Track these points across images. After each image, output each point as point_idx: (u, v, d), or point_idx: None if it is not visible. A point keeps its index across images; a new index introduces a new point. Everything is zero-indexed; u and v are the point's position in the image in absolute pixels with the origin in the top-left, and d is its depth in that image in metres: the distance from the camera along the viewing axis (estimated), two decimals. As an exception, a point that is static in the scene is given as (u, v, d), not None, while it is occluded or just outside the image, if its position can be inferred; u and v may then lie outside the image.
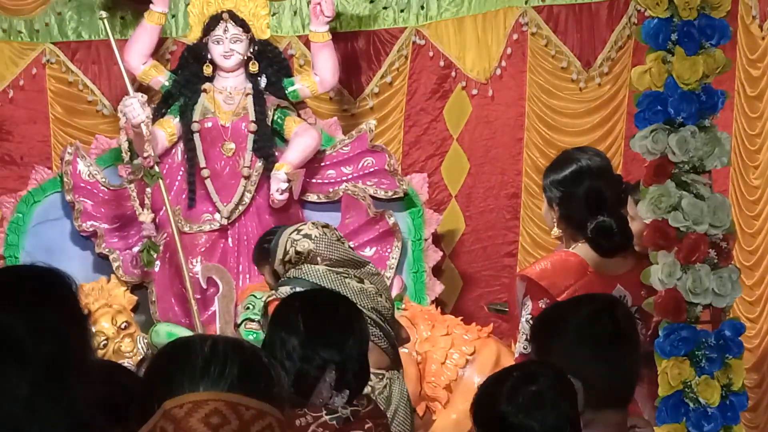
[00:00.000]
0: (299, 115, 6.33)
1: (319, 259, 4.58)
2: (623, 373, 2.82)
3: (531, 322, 3.98)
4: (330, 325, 3.00)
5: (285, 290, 4.76)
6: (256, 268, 5.62)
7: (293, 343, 2.92)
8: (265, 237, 5.11)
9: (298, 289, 4.70)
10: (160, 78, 6.27)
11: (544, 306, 3.96)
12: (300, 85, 6.31)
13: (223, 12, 6.22)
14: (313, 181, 6.33)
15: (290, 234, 4.73)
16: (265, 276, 5.05)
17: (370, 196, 6.24)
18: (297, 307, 3.04)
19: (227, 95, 6.21)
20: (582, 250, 4.15)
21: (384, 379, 4.45)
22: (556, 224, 4.23)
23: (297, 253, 4.66)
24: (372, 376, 4.43)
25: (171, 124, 6.19)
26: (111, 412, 1.93)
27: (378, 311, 4.58)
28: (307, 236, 4.70)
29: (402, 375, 4.66)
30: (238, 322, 5.82)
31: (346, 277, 4.60)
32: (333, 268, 4.59)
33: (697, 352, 3.85)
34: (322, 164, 6.37)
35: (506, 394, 2.61)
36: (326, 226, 4.88)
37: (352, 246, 6.16)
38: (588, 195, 4.14)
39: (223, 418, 1.64)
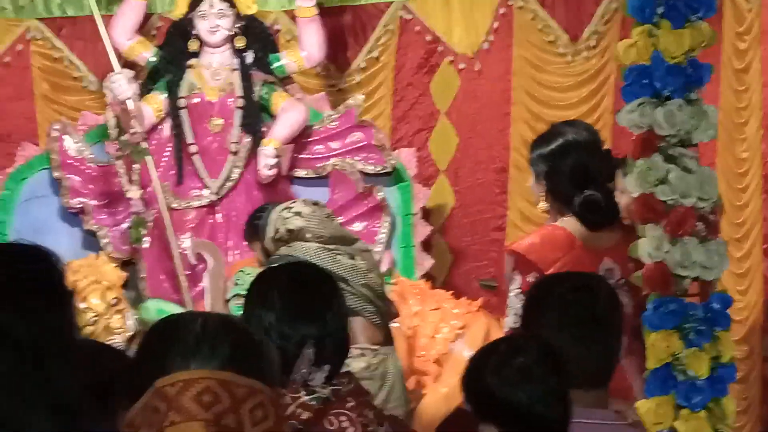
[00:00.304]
0: (286, 91, 6.32)
1: (309, 236, 4.59)
2: (601, 355, 2.81)
3: (519, 296, 3.99)
4: (307, 298, 2.87)
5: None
6: (247, 244, 5.63)
7: (270, 319, 2.80)
8: (256, 214, 5.11)
9: None
10: (146, 54, 6.24)
11: (532, 280, 3.97)
12: (287, 60, 6.30)
13: (208, -13, 6.19)
14: (301, 156, 6.32)
15: (280, 212, 4.73)
16: (256, 253, 5.07)
17: (359, 171, 6.24)
18: (273, 281, 2.92)
19: (214, 71, 6.19)
20: (569, 223, 4.16)
21: (379, 355, 4.46)
22: (543, 198, 4.24)
23: (288, 230, 4.66)
24: (368, 352, 4.47)
25: (158, 100, 6.17)
26: (95, 393, 1.93)
27: (370, 287, 4.60)
28: (297, 213, 4.70)
29: (394, 351, 4.68)
30: (228, 297, 5.82)
31: (338, 254, 4.61)
32: (324, 245, 4.60)
33: (685, 325, 3.86)
34: (310, 139, 6.36)
35: (493, 366, 2.61)
36: (316, 203, 4.89)
37: (340, 223, 6.18)
38: (574, 169, 4.15)
39: (215, 397, 1.64)
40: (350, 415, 2.78)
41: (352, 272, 4.55)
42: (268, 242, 4.78)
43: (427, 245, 6.43)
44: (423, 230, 6.35)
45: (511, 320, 4.03)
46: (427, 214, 6.51)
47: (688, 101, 3.91)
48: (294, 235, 4.63)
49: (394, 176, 6.35)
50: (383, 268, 6.12)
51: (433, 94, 6.72)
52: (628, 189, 4.01)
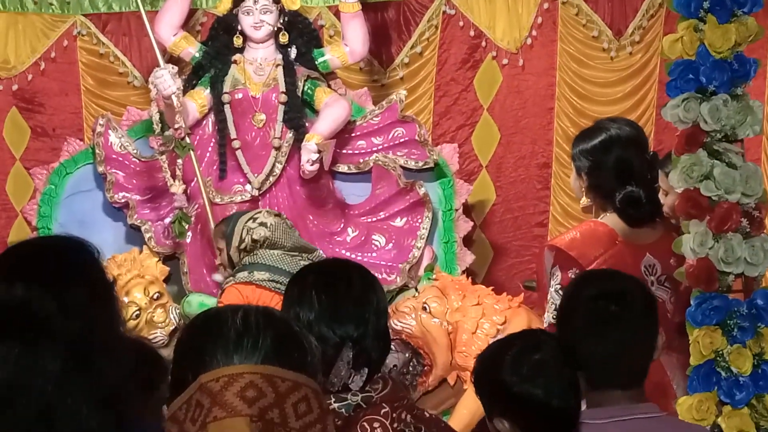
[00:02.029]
0: (329, 86, 6.32)
1: (273, 245, 4.71)
2: (634, 356, 2.79)
3: (560, 292, 3.98)
4: (345, 299, 2.78)
5: (242, 275, 4.91)
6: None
7: (308, 320, 2.73)
8: (225, 219, 5.23)
9: (255, 274, 4.81)
10: (191, 49, 6.27)
11: (573, 276, 3.96)
12: (330, 55, 6.30)
13: (253, -17, 6.21)
14: (344, 151, 6.33)
15: (246, 222, 4.90)
16: (220, 252, 5.18)
17: (401, 166, 6.23)
18: (310, 282, 2.83)
19: (257, 66, 6.21)
20: (611, 219, 4.14)
21: None
22: (584, 194, 4.23)
23: (253, 240, 4.85)
24: None
25: (202, 96, 6.19)
26: (140, 385, 1.93)
27: None
28: (263, 224, 4.87)
29: None
30: (269, 292, 5.84)
31: (300, 260, 4.76)
32: (287, 252, 4.73)
33: (729, 321, 3.84)
34: (353, 135, 6.36)
35: (510, 363, 2.65)
36: (278, 214, 5.02)
37: (383, 218, 6.19)
38: (617, 164, 4.13)
39: (259, 391, 1.64)
40: (383, 422, 2.71)
41: None
42: (232, 252, 4.93)
43: (468, 241, 6.42)
44: (464, 226, 6.34)
45: (550, 316, 4.02)
46: (468, 209, 6.50)
47: (733, 96, 3.89)
48: (259, 245, 4.77)
49: (436, 172, 6.34)
50: (424, 263, 6.13)
51: (476, 89, 6.71)
52: (672, 187, 3.99)
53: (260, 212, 5.05)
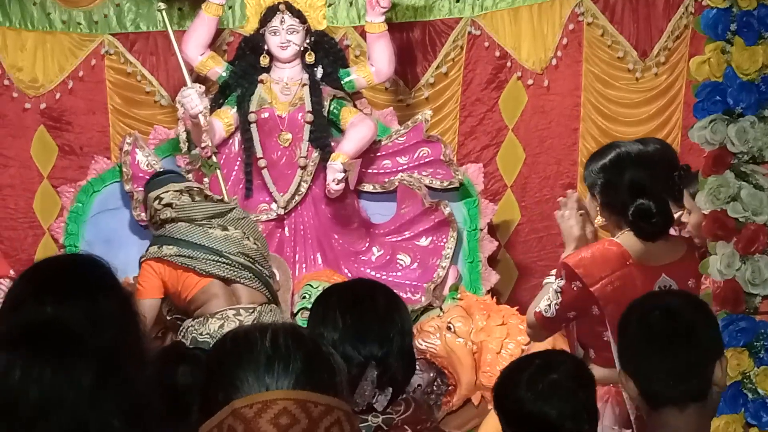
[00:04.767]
0: (355, 106, 6.35)
1: (183, 220, 4.96)
2: (690, 368, 2.75)
3: (557, 292, 3.93)
4: (369, 319, 2.77)
5: (153, 250, 5.11)
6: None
7: (333, 339, 2.72)
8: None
9: (164, 248, 4.96)
10: (218, 69, 6.31)
11: (576, 289, 3.93)
12: (356, 75, 6.34)
13: (279, 3, 6.25)
14: (369, 171, 6.35)
15: (153, 201, 5.09)
16: None
17: (426, 186, 6.25)
18: (334, 302, 2.82)
19: (284, 86, 6.24)
20: (626, 239, 4.12)
21: (254, 312, 4.93)
22: (599, 213, 4.22)
23: (162, 219, 5.00)
24: (242, 311, 4.93)
25: (228, 115, 6.23)
26: (170, 397, 1.95)
27: (245, 254, 5.06)
28: (168, 205, 5.06)
29: (280, 310, 5.16)
30: (295, 311, 5.86)
31: (210, 228, 5.05)
32: (196, 223, 4.93)
33: (756, 343, 3.83)
34: (378, 154, 6.39)
35: (526, 381, 2.70)
36: (189, 189, 5.20)
37: (406, 238, 6.20)
38: (630, 182, 4.12)
39: (292, 418, 1.63)
40: None
41: (225, 243, 5.01)
42: (149, 222, 5.14)
43: (493, 261, 6.43)
44: (489, 246, 6.35)
45: (544, 306, 3.93)
46: (493, 229, 6.51)
47: (760, 118, 3.89)
48: (168, 222, 4.98)
49: (461, 191, 6.36)
50: (449, 282, 6.14)
51: (501, 109, 6.72)
52: (698, 206, 3.99)
53: (167, 192, 5.19)
